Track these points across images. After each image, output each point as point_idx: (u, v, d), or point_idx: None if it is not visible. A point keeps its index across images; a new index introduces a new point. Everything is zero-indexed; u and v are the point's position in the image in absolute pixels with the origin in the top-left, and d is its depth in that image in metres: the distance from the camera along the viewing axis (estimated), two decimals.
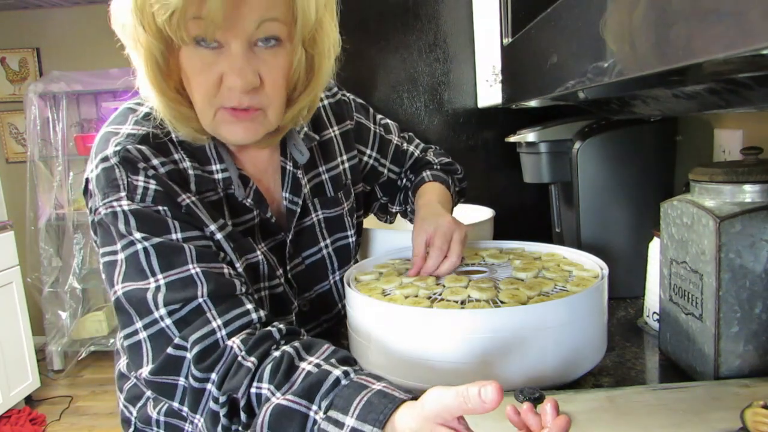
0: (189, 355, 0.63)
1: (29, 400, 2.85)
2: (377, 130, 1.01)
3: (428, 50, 1.42)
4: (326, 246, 0.91)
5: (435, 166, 1.05)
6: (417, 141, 1.10)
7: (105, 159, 0.70)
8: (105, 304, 3.52)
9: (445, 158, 1.08)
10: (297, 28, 0.68)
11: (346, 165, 0.94)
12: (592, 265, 0.85)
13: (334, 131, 0.93)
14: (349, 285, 0.81)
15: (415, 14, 1.40)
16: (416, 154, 1.07)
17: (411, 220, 1.08)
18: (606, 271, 0.79)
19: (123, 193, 0.69)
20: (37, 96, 3.17)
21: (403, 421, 0.50)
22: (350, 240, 0.94)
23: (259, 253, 0.78)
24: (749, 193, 0.69)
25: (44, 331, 3.28)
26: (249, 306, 0.67)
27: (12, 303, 2.72)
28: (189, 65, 0.67)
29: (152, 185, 0.70)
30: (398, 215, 1.12)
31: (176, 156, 0.74)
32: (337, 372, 0.57)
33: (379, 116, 1.04)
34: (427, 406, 0.49)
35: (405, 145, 1.06)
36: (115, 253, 0.69)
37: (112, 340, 3.29)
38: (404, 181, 1.07)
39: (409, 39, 1.41)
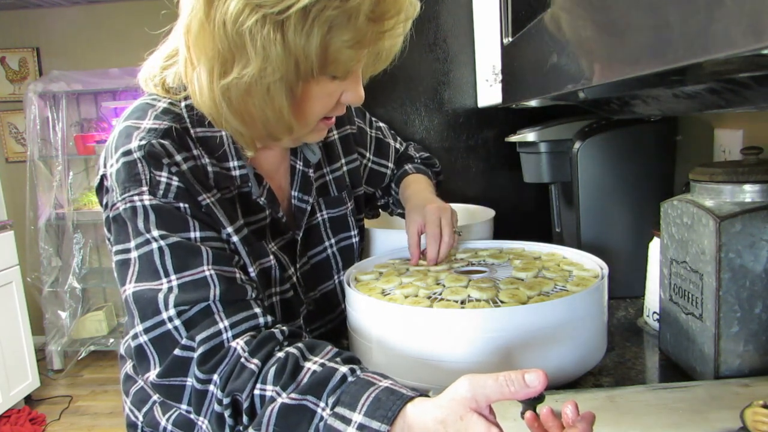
0: (195, 355, 0.63)
1: (29, 399, 2.85)
2: (374, 134, 1.06)
3: (428, 50, 1.42)
4: (331, 246, 0.92)
5: (416, 160, 1.12)
6: (398, 138, 1.15)
7: (127, 153, 0.69)
8: (105, 303, 3.52)
9: (424, 153, 1.15)
10: None
11: (345, 168, 0.96)
12: (592, 265, 0.85)
13: (334, 135, 0.95)
14: (348, 285, 0.81)
15: None
16: (400, 150, 1.13)
17: (391, 213, 1.15)
18: (606, 270, 0.79)
19: (145, 188, 0.68)
20: (36, 96, 3.16)
21: (424, 411, 0.51)
22: (353, 240, 0.95)
23: (271, 257, 0.79)
24: (749, 192, 0.69)
25: (44, 331, 3.28)
26: (257, 310, 0.67)
27: (12, 303, 2.72)
28: (319, 92, 0.71)
29: (175, 182, 0.69)
30: (380, 208, 1.17)
31: (195, 152, 0.74)
32: (343, 369, 0.58)
33: (373, 119, 1.08)
34: (461, 389, 0.50)
35: (393, 143, 1.11)
36: (128, 251, 0.68)
37: (111, 340, 3.29)
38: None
39: (409, 39, 1.41)
